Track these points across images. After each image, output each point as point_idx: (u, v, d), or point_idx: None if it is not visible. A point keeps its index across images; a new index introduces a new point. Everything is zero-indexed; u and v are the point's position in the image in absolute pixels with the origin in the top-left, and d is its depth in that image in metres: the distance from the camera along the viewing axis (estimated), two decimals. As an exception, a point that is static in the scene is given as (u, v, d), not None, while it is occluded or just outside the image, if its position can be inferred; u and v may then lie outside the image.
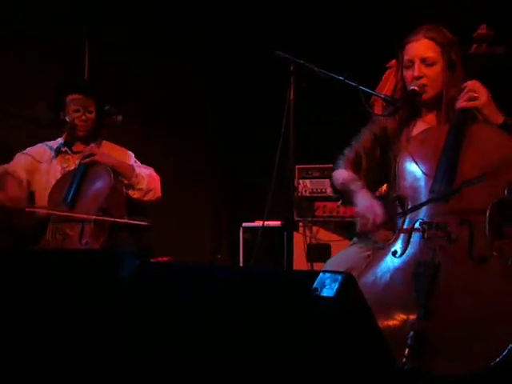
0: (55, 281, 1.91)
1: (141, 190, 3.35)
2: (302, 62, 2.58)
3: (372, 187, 2.59)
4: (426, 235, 2.21)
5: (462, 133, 2.35)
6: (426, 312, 2.04)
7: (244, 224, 4.13)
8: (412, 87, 2.49)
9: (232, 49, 4.77)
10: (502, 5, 3.32)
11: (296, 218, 3.87)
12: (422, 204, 2.28)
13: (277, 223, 3.76)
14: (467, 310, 2.04)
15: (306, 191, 3.99)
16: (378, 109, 2.71)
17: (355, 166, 2.58)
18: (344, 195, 2.59)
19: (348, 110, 2.58)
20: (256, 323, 1.59)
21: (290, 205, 2.68)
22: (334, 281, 1.50)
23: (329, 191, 3.88)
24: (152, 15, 4.61)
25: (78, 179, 3.27)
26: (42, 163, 3.43)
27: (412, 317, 2.05)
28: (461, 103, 2.42)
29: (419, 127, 2.55)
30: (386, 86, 2.76)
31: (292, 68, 2.58)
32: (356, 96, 2.47)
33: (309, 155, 3.20)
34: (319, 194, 3.98)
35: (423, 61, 2.49)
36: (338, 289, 1.49)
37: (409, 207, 2.33)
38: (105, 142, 3.46)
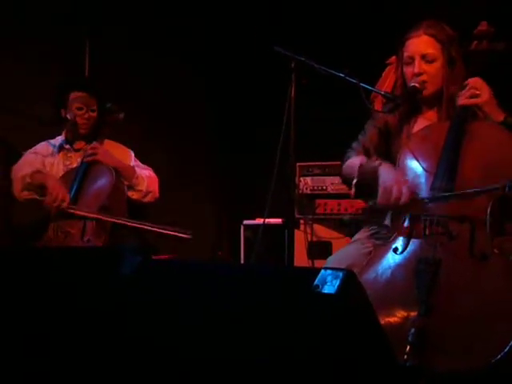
0: (56, 278, 1.91)
1: (140, 191, 3.38)
2: (303, 59, 2.59)
3: None
4: (427, 232, 2.21)
5: (462, 130, 2.35)
6: (427, 309, 2.03)
7: (245, 222, 4.13)
8: (412, 84, 2.49)
9: (232, 48, 4.77)
10: (502, 2, 3.31)
11: (297, 216, 3.88)
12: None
13: (278, 221, 3.75)
14: (468, 307, 2.03)
15: (306, 189, 3.99)
16: (377, 105, 2.70)
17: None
18: (363, 181, 2.47)
19: (348, 107, 2.58)
20: (257, 320, 1.59)
21: (290, 202, 2.69)
22: (336, 278, 1.50)
23: (330, 189, 3.90)
24: (152, 15, 4.61)
25: (79, 177, 3.28)
26: (47, 160, 3.44)
27: (413, 314, 2.05)
28: (462, 100, 2.41)
29: (420, 124, 2.55)
30: (386, 82, 2.75)
31: (293, 65, 2.58)
32: (356, 93, 2.47)
33: (309, 153, 3.20)
34: (320, 192, 3.98)
35: (423, 57, 2.49)
36: (339, 286, 1.49)
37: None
38: (107, 141, 3.47)
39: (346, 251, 2.53)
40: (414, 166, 2.37)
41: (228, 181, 5.02)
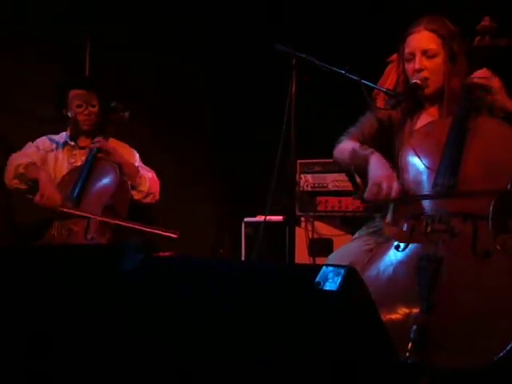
0: (58, 276, 1.91)
1: (142, 191, 3.42)
2: (304, 55, 2.58)
3: None
4: (428, 229, 2.20)
5: (465, 126, 2.34)
6: (429, 306, 2.03)
7: (246, 219, 4.12)
8: (414, 80, 2.48)
9: (232, 46, 4.76)
10: (502, 2, 3.31)
11: (298, 213, 3.86)
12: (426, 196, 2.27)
13: (279, 218, 3.74)
14: (470, 305, 2.02)
15: (307, 186, 3.98)
16: (380, 103, 2.70)
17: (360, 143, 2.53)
18: (353, 165, 2.51)
19: (350, 103, 2.57)
20: (258, 317, 1.58)
21: (291, 200, 2.68)
22: (337, 274, 1.50)
23: (330, 186, 3.89)
24: (152, 15, 4.61)
25: (84, 175, 3.30)
26: (50, 156, 3.45)
27: (415, 311, 2.04)
28: (473, 79, 2.39)
29: (423, 120, 2.54)
30: (388, 80, 2.75)
31: (294, 62, 2.58)
32: (358, 90, 2.46)
33: (310, 150, 3.19)
34: (321, 189, 3.96)
35: (424, 53, 2.48)
36: (340, 282, 1.48)
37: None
38: (111, 139, 3.48)
39: (348, 248, 2.52)
40: (416, 162, 2.37)
41: (229, 178, 5.01)
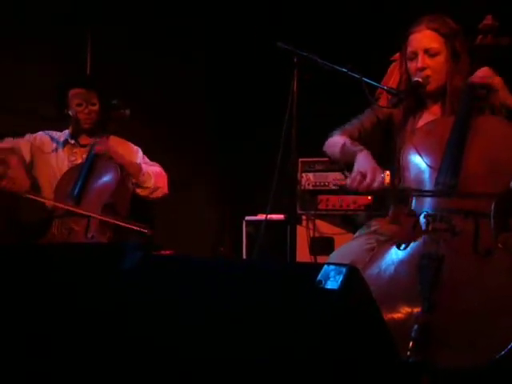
0: (57, 275, 1.90)
1: (148, 188, 3.42)
2: (305, 54, 2.58)
3: None
4: (430, 228, 2.20)
5: (467, 124, 2.34)
6: (430, 305, 2.02)
7: (247, 217, 4.11)
8: (416, 79, 2.49)
9: (233, 45, 4.76)
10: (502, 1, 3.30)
11: (299, 212, 3.86)
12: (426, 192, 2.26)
13: (280, 217, 3.73)
14: (472, 303, 2.02)
15: (309, 184, 3.98)
16: (383, 102, 2.70)
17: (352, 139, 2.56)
18: (342, 160, 2.55)
19: (351, 102, 2.57)
20: (259, 316, 1.58)
21: (292, 198, 2.68)
22: (339, 273, 1.50)
23: (332, 185, 3.89)
24: (152, 15, 4.61)
25: (84, 173, 3.30)
26: (50, 153, 3.45)
27: (416, 310, 2.04)
28: (475, 78, 2.39)
29: (425, 118, 2.55)
30: (391, 79, 2.76)
31: (295, 60, 2.58)
32: (359, 88, 2.46)
33: (312, 148, 3.19)
34: (322, 188, 3.96)
35: (426, 52, 2.48)
36: (342, 281, 1.48)
37: (413, 199, 2.31)
38: (112, 137, 3.48)
39: (349, 247, 2.51)
40: (418, 161, 2.37)
41: (229, 177, 5.01)
